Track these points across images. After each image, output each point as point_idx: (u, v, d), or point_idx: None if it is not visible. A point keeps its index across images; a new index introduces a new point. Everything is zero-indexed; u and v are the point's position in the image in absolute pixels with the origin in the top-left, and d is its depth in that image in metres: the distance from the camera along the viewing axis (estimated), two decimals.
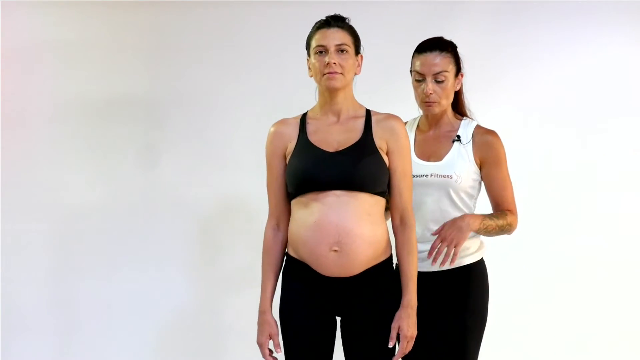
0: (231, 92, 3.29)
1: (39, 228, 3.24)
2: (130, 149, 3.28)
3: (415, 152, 2.37)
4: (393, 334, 2.12)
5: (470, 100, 3.16)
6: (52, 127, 3.25)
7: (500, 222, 2.31)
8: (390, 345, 2.12)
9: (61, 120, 3.25)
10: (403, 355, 2.15)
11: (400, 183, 2.17)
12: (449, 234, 2.22)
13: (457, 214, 2.30)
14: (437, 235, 2.24)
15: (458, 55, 2.39)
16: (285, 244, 2.26)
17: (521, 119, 3.28)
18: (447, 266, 2.26)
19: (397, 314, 2.13)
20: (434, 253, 2.22)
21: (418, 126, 2.46)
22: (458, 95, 2.42)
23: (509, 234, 2.37)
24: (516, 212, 2.37)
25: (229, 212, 3.27)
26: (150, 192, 3.29)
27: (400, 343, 2.13)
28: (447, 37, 3.12)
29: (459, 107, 2.44)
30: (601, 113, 3.26)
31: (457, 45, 2.41)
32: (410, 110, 2.48)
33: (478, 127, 2.39)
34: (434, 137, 2.40)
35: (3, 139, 3.22)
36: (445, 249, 2.21)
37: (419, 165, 2.33)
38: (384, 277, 2.16)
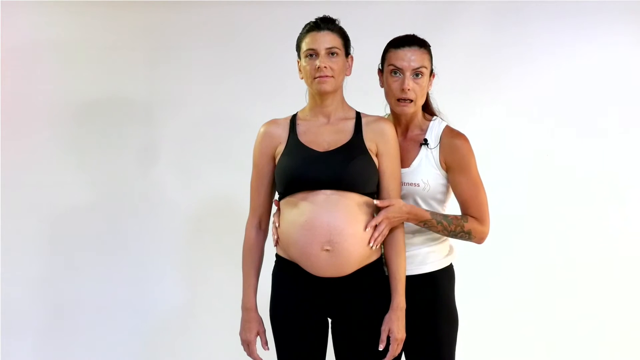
0: (231, 92, 3.30)
1: (37, 227, 3.26)
2: (129, 149, 3.29)
3: None
4: (383, 337, 2.13)
5: (468, 99, 3.19)
6: (52, 127, 3.25)
7: (452, 227, 2.18)
8: (381, 348, 2.13)
9: (61, 120, 3.26)
10: (392, 358, 2.15)
11: (389, 185, 2.17)
12: (391, 217, 2.09)
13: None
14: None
15: (432, 55, 2.28)
16: (265, 242, 2.27)
17: (520, 118, 3.27)
18: (416, 271, 2.24)
19: (387, 317, 2.14)
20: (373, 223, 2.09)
21: None
22: (427, 95, 2.31)
23: (477, 242, 2.25)
24: (485, 219, 2.23)
25: (227, 213, 3.28)
26: (150, 192, 3.30)
27: (390, 346, 2.13)
28: (447, 37, 3.17)
29: (427, 106, 2.33)
30: (601, 113, 3.25)
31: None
32: None
33: (447, 128, 2.27)
34: (403, 140, 2.29)
35: (3, 138, 3.23)
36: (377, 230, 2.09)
37: None
38: (374, 277, 2.16)
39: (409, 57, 2.19)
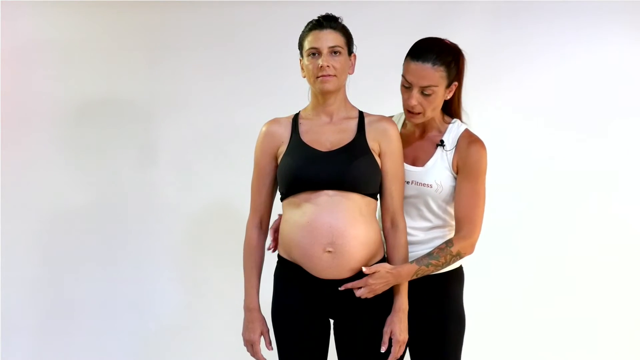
0: (231, 92, 3.29)
1: (36, 227, 3.25)
2: (129, 149, 3.29)
3: None
4: (385, 339, 2.12)
5: (468, 99, 3.18)
6: (52, 127, 3.25)
7: (442, 260, 2.11)
8: (383, 350, 2.12)
9: (60, 120, 3.26)
10: None
11: (392, 185, 2.16)
12: (375, 284, 2.05)
13: (437, 221, 2.24)
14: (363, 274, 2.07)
15: (457, 64, 2.17)
16: (265, 242, 2.26)
17: (520, 119, 3.26)
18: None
19: (389, 319, 2.13)
20: (349, 286, 2.07)
21: (404, 124, 2.32)
22: (452, 97, 2.23)
23: (469, 254, 2.20)
24: (473, 233, 2.15)
25: (227, 214, 3.28)
26: (149, 193, 3.30)
27: (392, 348, 2.13)
28: (447, 37, 3.12)
29: (451, 108, 2.27)
30: (601, 113, 3.24)
31: (460, 49, 2.21)
32: None
33: (466, 132, 2.22)
34: (420, 139, 2.26)
35: (3, 139, 3.23)
36: (360, 290, 2.07)
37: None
38: None
39: (419, 74, 2.11)
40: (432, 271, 2.13)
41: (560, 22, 3.23)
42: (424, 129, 2.26)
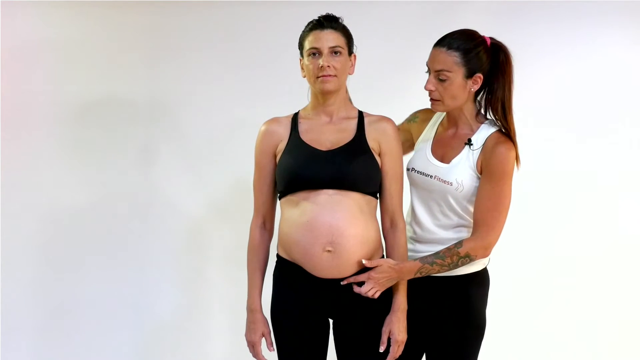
0: (231, 92, 3.29)
1: (37, 227, 3.25)
2: (129, 149, 3.28)
3: (430, 148, 2.25)
4: (384, 339, 2.12)
5: None
6: (52, 127, 3.25)
7: (447, 260, 2.09)
8: (382, 350, 2.12)
9: (61, 120, 3.25)
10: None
11: (391, 185, 2.16)
12: (378, 279, 2.06)
13: (459, 220, 2.19)
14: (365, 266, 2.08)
15: (487, 56, 2.14)
16: (270, 242, 2.27)
17: (520, 119, 3.23)
18: (445, 273, 2.15)
19: (388, 319, 2.13)
20: (353, 283, 2.08)
21: (442, 121, 2.31)
22: (493, 95, 2.18)
23: (483, 257, 2.15)
24: (487, 237, 2.11)
25: (228, 214, 3.27)
26: (150, 193, 3.29)
27: (391, 347, 2.12)
28: None
29: (490, 107, 2.20)
30: (601, 114, 3.23)
31: (498, 44, 2.16)
32: (407, 110, 2.46)
33: (497, 133, 2.15)
34: (451, 137, 2.22)
35: (3, 139, 3.22)
36: (364, 286, 2.07)
37: (429, 164, 2.21)
38: None
39: (434, 58, 2.14)
40: (438, 271, 2.11)
41: (560, 23, 3.23)
42: (457, 126, 2.23)
